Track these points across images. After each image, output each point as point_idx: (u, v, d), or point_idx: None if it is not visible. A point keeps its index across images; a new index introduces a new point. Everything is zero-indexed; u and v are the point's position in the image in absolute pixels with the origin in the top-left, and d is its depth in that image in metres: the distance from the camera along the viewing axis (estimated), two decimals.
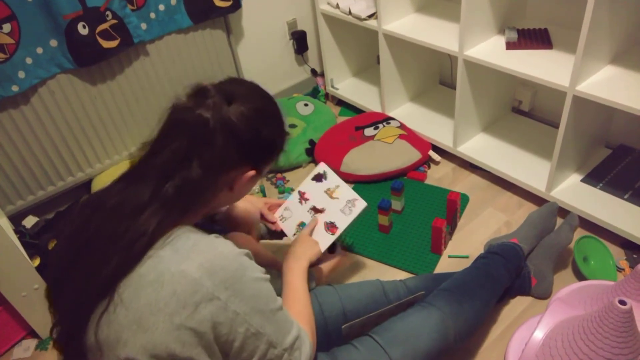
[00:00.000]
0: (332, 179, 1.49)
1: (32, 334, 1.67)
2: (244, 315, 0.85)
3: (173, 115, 0.95)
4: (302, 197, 1.51)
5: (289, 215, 1.50)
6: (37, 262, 1.67)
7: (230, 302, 0.83)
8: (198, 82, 0.99)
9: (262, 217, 1.52)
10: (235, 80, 1.04)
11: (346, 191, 1.46)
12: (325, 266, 1.42)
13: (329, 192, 1.48)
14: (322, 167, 1.53)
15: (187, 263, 0.82)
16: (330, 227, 1.42)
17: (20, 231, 1.86)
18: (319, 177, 1.52)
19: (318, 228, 1.43)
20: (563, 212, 1.75)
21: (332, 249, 1.44)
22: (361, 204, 1.43)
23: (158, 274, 0.81)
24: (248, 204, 1.46)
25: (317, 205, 1.48)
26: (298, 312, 1.05)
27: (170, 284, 0.81)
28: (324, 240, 1.41)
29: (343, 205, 1.44)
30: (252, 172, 0.99)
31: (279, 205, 1.54)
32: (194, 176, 0.90)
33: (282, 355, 0.91)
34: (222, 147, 0.92)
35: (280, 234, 1.56)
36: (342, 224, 1.42)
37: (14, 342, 1.65)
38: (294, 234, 1.46)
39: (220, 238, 0.91)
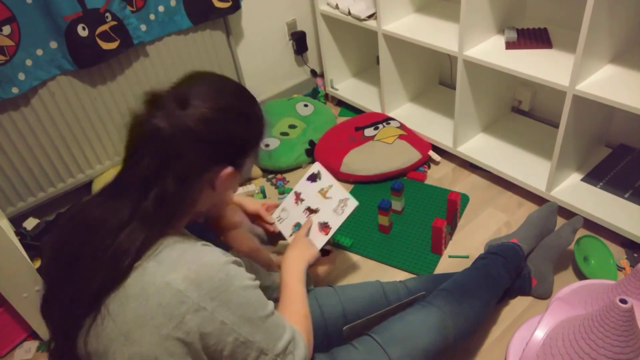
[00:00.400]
0: (326, 178, 1.50)
1: (34, 335, 1.67)
2: (232, 325, 0.84)
3: (134, 127, 0.90)
4: (298, 198, 1.51)
5: (285, 216, 1.51)
6: (38, 263, 1.67)
7: (217, 313, 0.82)
8: (152, 89, 0.92)
9: (260, 218, 1.52)
10: (193, 78, 0.97)
11: (338, 191, 1.47)
12: (321, 269, 1.43)
13: (322, 192, 1.48)
14: (316, 167, 1.53)
15: (172, 275, 0.81)
16: (324, 227, 1.42)
17: (21, 233, 1.86)
18: (313, 177, 1.52)
19: (312, 228, 1.43)
20: (564, 212, 1.75)
21: (324, 251, 1.45)
22: (352, 203, 1.43)
23: (143, 286, 0.81)
24: (241, 215, 1.46)
25: (312, 205, 1.48)
26: (294, 313, 1.05)
27: (156, 296, 0.80)
28: (318, 240, 1.42)
29: (335, 205, 1.45)
30: (229, 170, 0.94)
31: (277, 206, 1.55)
32: (170, 189, 0.86)
33: None
34: (189, 155, 0.87)
35: (278, 236, 1.56)
36: (335, 224, 1.42)
37: (15, 343, 1.65)
38: (290, 235, 1.47)
39: (208, 246, 0.89)
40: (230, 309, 0.83)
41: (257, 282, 0.91)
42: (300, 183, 1.54)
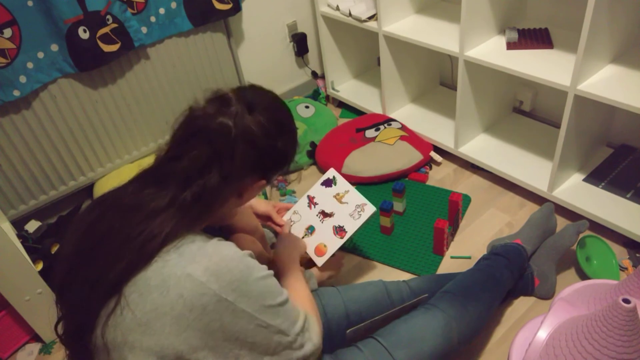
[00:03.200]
0: (342, 184, 1.50)
1: (36, 338, 1.67)
2: (253, 313, 0.87)
3: (193, 120, 0.95)
4: (311, 202, 1.52)
5: (297, 219, 1.51)
6: (40, 266, 1.67)
7: (239, 302, 0.85)
8: (218, 89, 0.99)
9: (270, 219, 1.52)
10: (255, 89, 1.03)
11: (355, 196, 1.47)
12: (328, 272, 1.44)
13: (338, 197, 1.48)
14: (331, 173, 1.54)
15: (192, 266, 0.83)
16: (339, 231, 1.43)
17: (22, 236, 1.86)
18: (328, 182, 1.53)
19: (326, 232, 1.44)
20: (566, 212, 1.75)
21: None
22: (370, 209, 1.43)
23: (164, 278, 0.82)
24: (255, 218, 1.46)
25: (326, 209, 1.48)
26: (299, 297, 1.10)
27: (177, 288, 0.81)
28: (333, 243, 1.42)
29: (352, 209, 1.45)
30: (262, 182, 1.01)
31: (288, 208, 1.54)
32: (213, 184, 0.91)
33: (295, 340, 0.95)
34: (241, 157, 0.93)
35: None
36: (351, 228, 1.42)
37: (17, 346, 1.65)
38: (302, 237, 1.47)
39: (224, 241, 0.92)
40: (250, 298, 0.87)
41: (271, 272, 0.95)
42: (314, 187, 1.54)
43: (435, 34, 1.95)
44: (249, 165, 0.95)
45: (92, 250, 0.88)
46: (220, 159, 0.91)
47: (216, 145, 0.91)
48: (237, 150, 0.92)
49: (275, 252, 1.29)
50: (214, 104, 0.95)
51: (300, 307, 1.01)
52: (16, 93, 1.74)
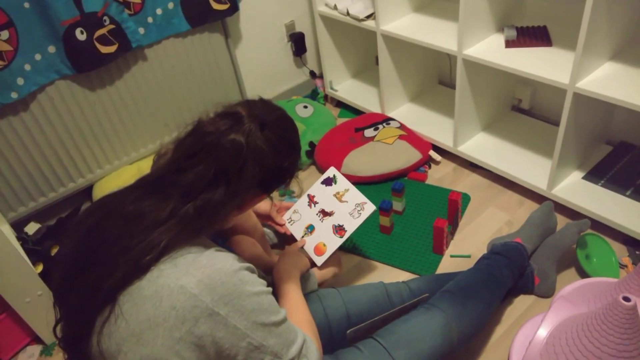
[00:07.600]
0: (342, 182, 1.50)
1: (37, 340, 1.67)
2: (245, 330, 0.84)
3: (203, 135, 0.93)
4: (311, 201, 1.51)
5: (297, 218, 1.51)
6: (39, 268, 1.66)
7: (231, 318, 0.83)
8: (229, 103, 1.00)
9: (270, 219, 1.52)
10: (265, 104, 1.03)
11: (355, 194, 1.47)
12: (328, 271, 1.43)
13: (338, 196, 1.48)
14: (332, 171, 1.53)
15: (186, 278, 0.82)
16: (339, 229, 1.42)
17: (22, 238, 1.85)
18: (328, 181, 1.52)
19: (326, 231, 1.44)
20: (565, 210, 1.75)
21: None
22: (370, 208, 1.43)
23: (157, 288, 0.81)
24: (254, 217, 1.46)
25: (326, 208, 1.48)
26: (299, 322, 1.05)
27: (169, 299, 0.80)
28: (332, 242, 1.42)
29: (352, 208, 1.45)
30: (263, 195, 1.02)
31: (287, 208, 1.54)
32: (218, 200, 0.90)
33: None
34: (249, 174, 0.93)
35: (289, 238, 1.56)
36: (351, 226, 1.42)
37: (18, 348, 1.65)
38: (302, 237, 1.47)
39: (222, 252, 0.90)
40: (243, 314, 0.84)
41: (269, 289, 0.92)
42: (314, 186, 1.54)
43: (434, 32, 1.95)
44: (255, 182, 0.96)
45: (90, 257, 0.87)
46: (228, 175, 0.91)
47: (225, 163, 0.91)
48: (245, 168, 0.92)
49: (275, 269, 1.25)
50: (225, 120, 0.94)
51: (299, 330, 0.97)
52: (14, 95, 1.74)
